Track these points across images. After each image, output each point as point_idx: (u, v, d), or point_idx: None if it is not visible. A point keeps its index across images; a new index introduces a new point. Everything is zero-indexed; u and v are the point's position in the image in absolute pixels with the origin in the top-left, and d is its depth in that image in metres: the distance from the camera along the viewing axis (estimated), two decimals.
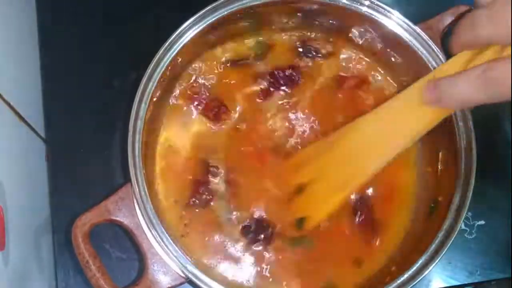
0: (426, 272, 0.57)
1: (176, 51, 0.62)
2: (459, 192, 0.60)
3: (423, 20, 0.65)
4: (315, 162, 0.62)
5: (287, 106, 0.68)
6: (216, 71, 0.68)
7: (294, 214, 0.64)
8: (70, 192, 0.70)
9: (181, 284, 0.59)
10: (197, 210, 0.65)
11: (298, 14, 0.66)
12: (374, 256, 0.65)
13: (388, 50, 0.67)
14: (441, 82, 0.49)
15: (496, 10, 0.43)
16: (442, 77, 0.49)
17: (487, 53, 0.47)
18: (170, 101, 0.67)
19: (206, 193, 0.65)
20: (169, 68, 0.62)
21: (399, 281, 0.58)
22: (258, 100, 0.68)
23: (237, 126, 0.67)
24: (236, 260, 0.64)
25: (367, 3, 0.63)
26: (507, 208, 0.71)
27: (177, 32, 0.62)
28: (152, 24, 0.74)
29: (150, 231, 0.58)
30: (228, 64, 0.68)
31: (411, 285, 0.57)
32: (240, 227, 0.64)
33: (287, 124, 0.67)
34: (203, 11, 0.62)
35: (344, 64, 0.70)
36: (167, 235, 0.57)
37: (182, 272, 0.57)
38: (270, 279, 0.64)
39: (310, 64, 0.69)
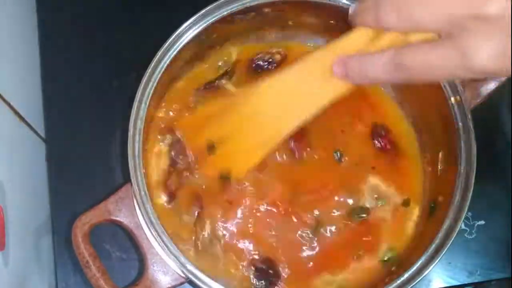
0: (426, 272, 0.57)
1: (176, 51, 0.62)
2: (459, 192, 0.60)
3: None
4: (220, 121, 0.60)
5: None
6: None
7: (215, 170, 0.63)
8: (70, 192, 0.70)
9: (181, 284, 0.59)
10: None
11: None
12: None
13: None
14: (351, 61, 0.48)
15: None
16: (352, 55, 0.48)
17: (390, 35, 0.46)
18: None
19: None
20: (169, 68, 0.62)
21: (399, 281, 0.58)
22: None
23: None
24: None
25: None
26: (507, 208, 0.71)
27: (177, 32, 0.62)
28: (152, 24, 0.74)
29: (150, 231, 0.58)
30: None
31: (411, 285, 0.57)
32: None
33: None
34: (203, 11, 0.62)
35: None
36: (167, 235, 0.57)
37: (182, 272, 0.57)
38: None
39: None
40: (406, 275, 0.58)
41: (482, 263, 0.70)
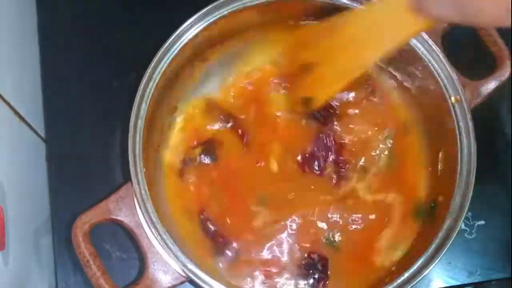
0: (426, 272, 0.57)
1: (176, 51, 0.62)
2: (459, 192, 0.60)
3: None
4: (317, 45, 0.63)
5: None
6: None
7: (301, 92, 0.65)
8: (70, 192, 0.70)
9: (181, 283, 0.59)
10: None
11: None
12: None
13: None
14: None
15: None
16: None
17: None
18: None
19: None
20: (169, 68, 0.62)
21: (399, 281, 0.58)
22: None
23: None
24: None
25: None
26: (507, 208, 0.71)
27: (177, 32, 0.62)
28: (152, 24, 0.74)
29: (151, 230, 0.58)
30: None
31: (411, 285, 0.57)
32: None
33: None
34: (203, 11, 0.62)
35: None
36: (167, 234, 0.57)
37: (183, 271, 0.57)
38: None
39: None
40: (406, 275, 0.58)
41: (482, 263, 0.70)
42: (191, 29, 0.62)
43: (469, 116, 0.61)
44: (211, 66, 0.69)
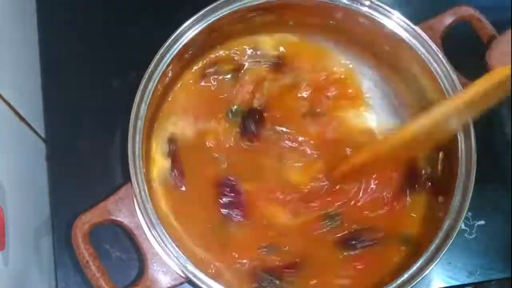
0: (426, 272, 0.57)
1: (176, 51, 0.62)
2: (459, 192, 0.60)
3: (423, 20, 0.65)
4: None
5: None
6: None
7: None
8: (70, 192, 0.70)
9: (181, 284, 0.59)
10: None
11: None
12: None
13: (388, 49, 0.67)
14: None
15: None
16: None
17: None
18: None
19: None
20: (169, 68, 0.62)
21: (399, 281, 0.58)
22: None
23: None
24: None
25: (367, 3, 0.63)
26: (507, 208, 0.71)
27: (177, 32, 0.62)
28: (152, 24, 0.74)
29: (150, 231, 0.58)
30: None
31: (411, 285, 0.57)
32: None
33: None
34: (203, 11, 0.62)
35: None
36: (167, 235, 0.57)
37: (182, 272, 0.57)
38: None
39: None
40: (406, 275, 0.58)
41: (482, 263, 0.70)
42: (191, 29, 0.62)
43: None
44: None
